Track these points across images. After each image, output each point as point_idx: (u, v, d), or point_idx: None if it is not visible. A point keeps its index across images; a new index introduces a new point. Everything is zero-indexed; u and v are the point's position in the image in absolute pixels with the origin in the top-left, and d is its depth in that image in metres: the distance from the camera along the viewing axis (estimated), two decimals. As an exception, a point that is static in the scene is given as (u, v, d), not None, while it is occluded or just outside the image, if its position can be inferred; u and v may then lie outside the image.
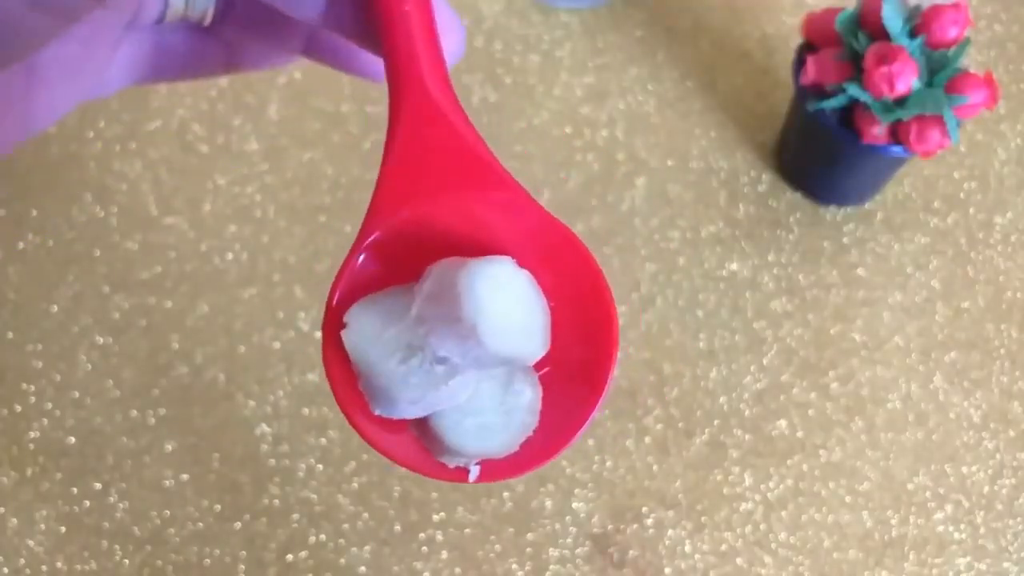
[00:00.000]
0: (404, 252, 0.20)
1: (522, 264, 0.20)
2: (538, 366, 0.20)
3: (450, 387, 0.19)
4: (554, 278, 0.20)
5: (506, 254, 0.19)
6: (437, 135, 0.20)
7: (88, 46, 0.22)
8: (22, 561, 0.43)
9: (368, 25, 0.20)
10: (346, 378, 0.20)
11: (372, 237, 0.20)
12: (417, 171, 0.20)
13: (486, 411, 0.20)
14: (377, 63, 0.20)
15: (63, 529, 0.44)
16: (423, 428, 0.20)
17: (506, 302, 0.19)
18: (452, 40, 0.20)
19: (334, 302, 0.20)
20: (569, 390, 0.20)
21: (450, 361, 0.19)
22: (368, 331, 0.19)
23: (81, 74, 0.22)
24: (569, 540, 0.45)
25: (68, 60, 0.21)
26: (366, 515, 0.45)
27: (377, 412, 0.19)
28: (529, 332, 0.19)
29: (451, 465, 0.20)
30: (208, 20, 0.24)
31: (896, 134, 0.48)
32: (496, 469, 0.20)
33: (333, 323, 0.20)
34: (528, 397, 0.20)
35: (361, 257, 0.20)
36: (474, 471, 0.20)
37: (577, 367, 0.20)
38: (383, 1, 0.19)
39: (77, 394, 0.47)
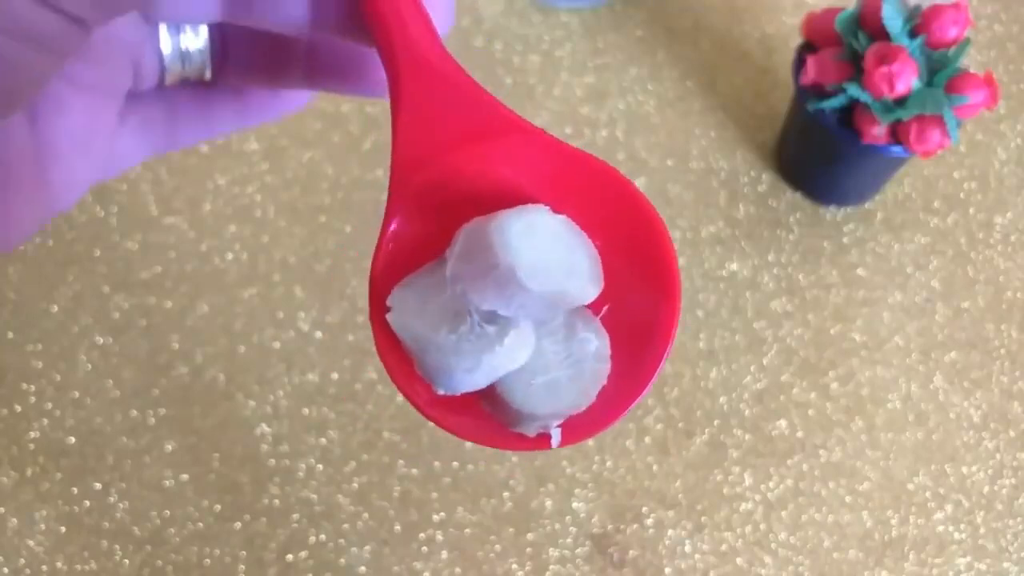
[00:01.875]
0: (436, 228, 0.19)
1: (558, 209, 0.18)
2: (597, 308, 0.19)
3: (506, 346, 0.18)
4: (599, 217, 0.19)
5: (538, 202, 0.18)
6: (442, 94, 0.19)
7: (92, 115, 0.21)
8: (22, 561, 0.43)
9: (355, 15, 0.20)
10: (404, 367, 0.19)
11: (399, 209, 0.19)
12: (430, 135, 0.19)
13: (553, 367, 0.19)
14: (380, 72, 0.20)
15: (63, 529, 0.44)
16: (494, 400, 0.19)
17: (541, 243, 0.18)
18: (440, 10, 0.20)
19: (375, 288, 0.19)
20: (636, 331, 0.19)
21: (498, 316, 0.18)
22: (412, 309, 0.18)
23: (91, 146, 0.22)
24: (569, 540, 0.45)
25: (75, 131, 0.21)
26: (366, 515, 0.45)
27: (441, 391, 0.19)
28: (573, 270, 0.18)
29: (531, 434, 0.19)
30: (208, 74, 0.23)
31: (896, 134, 0.48)
32: (579, 427, 0.19)
33: (378, 311, 0.19)
34: (595, 344, 0.19)
35: (399, 232, 0.19)
36: (555, 435, 0.19)
37: (640, 305, 0.19)
38: None
39: (77, 394, 0.47)
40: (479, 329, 0.18)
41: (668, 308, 0.19)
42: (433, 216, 0.19)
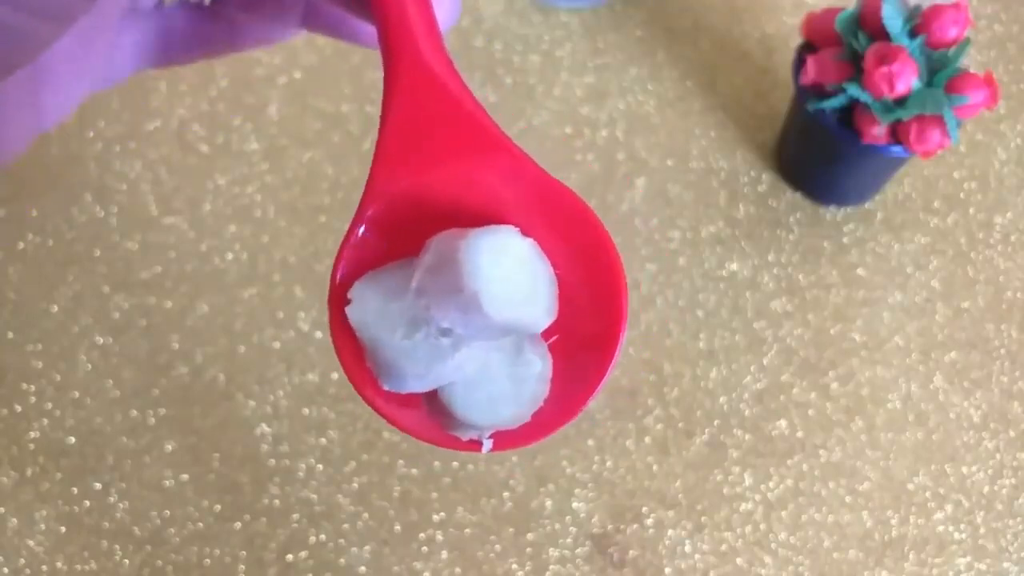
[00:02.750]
0: (406, 226, 0.19)
1: (527, 232, 0.19)
2: (547, 335, 0.20)
3: (456, 359, 0.19)
4: (561, 244, 0.19)
5: (509, 223, 0.19)
6: (434, 102, 0.19)
7: (88, 37, 0.22)
8: (22, 561, 0.43)
9: None
10: (355, 355, 0.19)
11: (372, 210, 0.19)
12: (415, 140, 0.19)
13: (496, 382, 0.19)
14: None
15: (63, 529, 0.44)
16: (435, 403, 0.20)
17: (508, 270, 0.18)
18: (444, 8, 0.20)
19: (338, 278, 0.19)
20: (579, 358, 0.20)
21: (454, 333, 0.18)
22: (372, 306, 0.19)
23: (85, 66, 0.22)
24: (569, 540, 0.45)
25: (71, 55, 0.21)
26: (366, 515, 0.45)
27: (386, 387, 0.19)
28: (533, 300, 0.19)
29: (464, 438, 0.20)
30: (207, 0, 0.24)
31: (896, 134, 0.48)
32: (509, 438, 0.20)
33: (338, 300, 0.19)
34: (538, 367, 0.20)
35: (362, 231, 0.19)
36: (487, 444, 0.20)
37: (587, 335, 0.20)
38: None
39: (77, 394, 0.47)
40: (434, 340, 0.19)
41: (608, 346, 0.20)
42: (406, 214, 0.19)
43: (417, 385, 0.19)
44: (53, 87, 0.21)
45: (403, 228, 0.19)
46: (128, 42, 0.23)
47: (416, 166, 0.19)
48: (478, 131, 0.19)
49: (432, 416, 0.20)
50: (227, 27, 0.25)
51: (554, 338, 0.20)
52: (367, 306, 0.19)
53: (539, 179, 0.19)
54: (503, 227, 0.19)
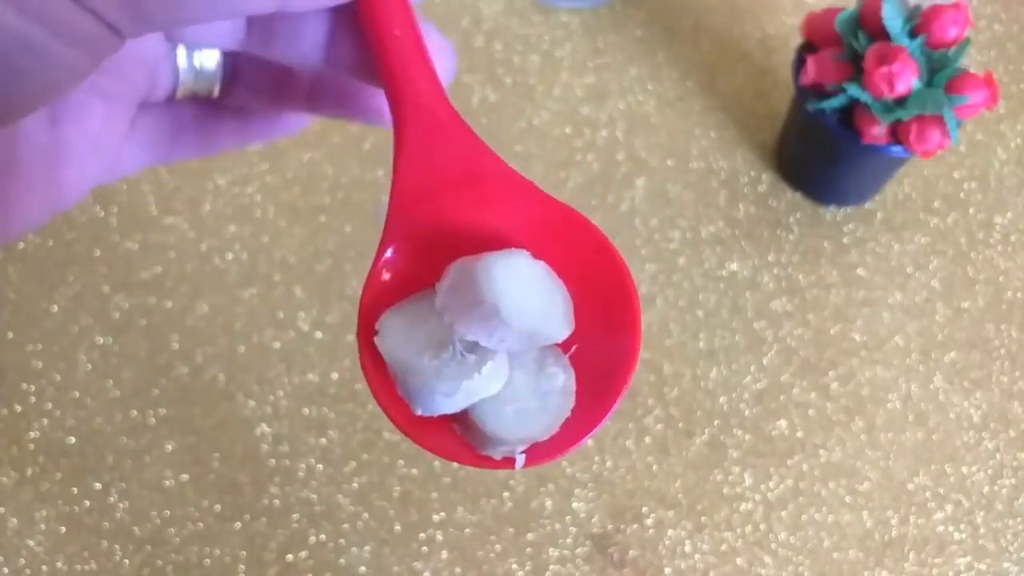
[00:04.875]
0: (425, 260, 0.21)
1: (538, 255, 0.20)
2: (566, 348, 0.21)
3: (483, 374, 0.20)
4: (573, 263, 0.21)
5: (521, 247, 0.20)
6: (441, 141, 0.21)
7: (108, 121, 0.22)
8: (22, 561, 0.43)
9: (365, 58, 0.21)
10: (386, 385, 0.21)
11: (392, 246, 0.21)
12: (427, 177, 0.20)
13: (522, 397, 0.20)
14: (380, 102, 0.21)
15: (63, 529, 0.44)
16: (466, 424, 0.21)
17: (523, 286, 0.20)
18: (443, 63, 0.21)
19: (364, 312, 0.21)
20: (600, 369, 0.21)
21: (479, 348, 0.20)
22: (400, 334, 0.20)
23: (103, 150, 0.23)
24: (569, 540, 0.45)
25: (91, 135, 0.22)
26: (366, 515, 0.45)
27: (418, 412, 0.20)
28: (549, 312, 0.20)
29: (497, 457, 0.21)
30: (216, 92, 0.24)
31: (896, 134, 0.48)
32: (540, 452, 0.21)
33: (366, 333, 0.20)
34: (562, 379, 0.21)
35: (391, 262, 0.21)
36: (520, 459, 0.21)
37: (605, 345, 0.21)
38: (374, 31, 0.20)
39: (77, 394, 0.47)
40: (460, 357, 0.20)
41: (628, 353, 0.21)
42: (423, 249, 0.21)
43: (447, 405, 0.20)
44: (73, 165, 0.22)
45: (423, 263, 0.21)
46: (139, 135, 0.24)
47: (430, 193, 0.20)
48: (481, 162, 0.21)
49: (465, 439, 0.21)
50: (235, 118, 0.26)
51: (573, 348, 0.21)
52: (395, 335, 0.20)
53: (545, 203, 0.21)
54: (515, 250, 0.20)
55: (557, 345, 0.21)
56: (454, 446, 0.21)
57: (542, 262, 0.20)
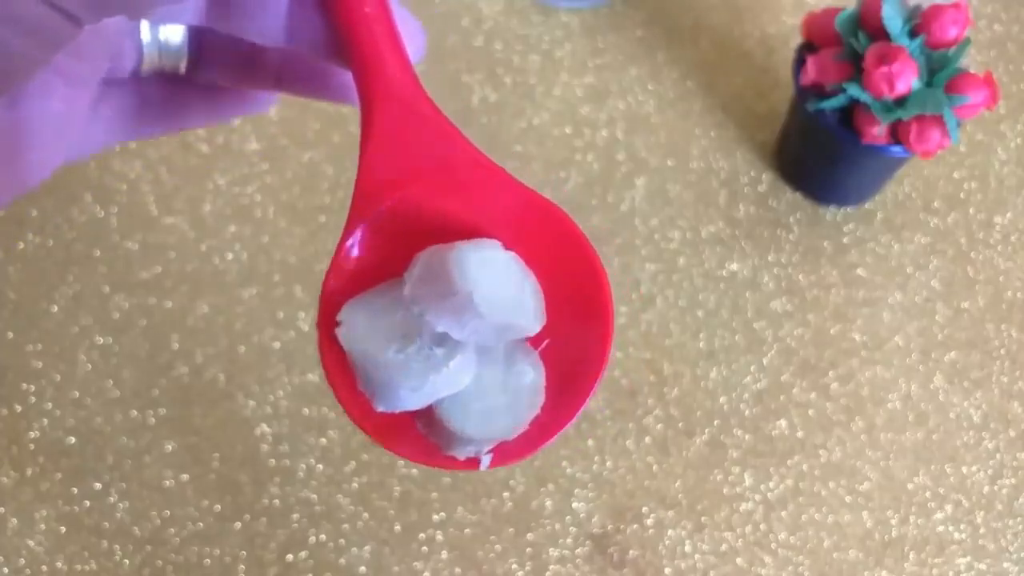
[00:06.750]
0: (391, 247, 0.20)
1: (509, 245, 0.20)
2: (537, 343, 0.20)
3: (451, 369, 0.19)
4: (544, 254, 0.20)
5: (492, 237, 0.20)
6: (411, 126, 0.20)
7: (70, 101, 0.22)
8: (22, 561, 0.43)
9: (332, 36, 0.20)
10: (347, 380, 0.20)
11: (356, 233, 0.20)
12: (395, 163, 0.20)
13: (490, 394, 0.20)
14: (349, 83, 0.20)
15: (63, 529, 0.44)
16: (430, 422, 0.20)
17: (496, 277, 0.19)
18: (413, 44, 0.21)
19: (325, 302, 0.20)
20: (571, 365, 0.20)
21: (448, 339, 0.19)
22: (363, 326, 0.19)
23: (66, 130, 0.22)
24: (569, 540, 0.45)
25: (54, 116, 0.22)
26: (366, 515, 0.45)
27: (380, 409, 0.19)
28: (521, 304, 0.19)
29: (461, 457, 0.20)
30: (183, 68, 0.24)
31: (896, 134, 0.48)
32: (508, 452, 0.20)
33: (327, 324, 0.20)
34: (531, 376, 0.20)
35: (354, 251, 0.20)
36: (485, 460, 0.20)
37: (576, 341, 0.20)
38: (343, 7, 0.20)
39: (77, 394, 0.47)
40: (427, 351, 0.19)
41: (600, 349, 0.20)
42: (389, 237, 0.20)
43: (412, 401, 0.19)
44: (36, 147, 0.22)
45: (389, 250, 0.20)
46: (104, 113, 0.24)
47: (398, 186, 0.19)
48: (455, 150, 0.20)
49: (428, 438, 0.20)
50: (203, 95, 0.25)
51: (545, 343, 0.20)
52: (357, 327, 0.19)
53: (516, 191, 0.20)
54: (487, 240, 0.19)
55: (527, 340, 0.20)
56: (417, 446, 0.20)
57: (513, 253, 0.20)
